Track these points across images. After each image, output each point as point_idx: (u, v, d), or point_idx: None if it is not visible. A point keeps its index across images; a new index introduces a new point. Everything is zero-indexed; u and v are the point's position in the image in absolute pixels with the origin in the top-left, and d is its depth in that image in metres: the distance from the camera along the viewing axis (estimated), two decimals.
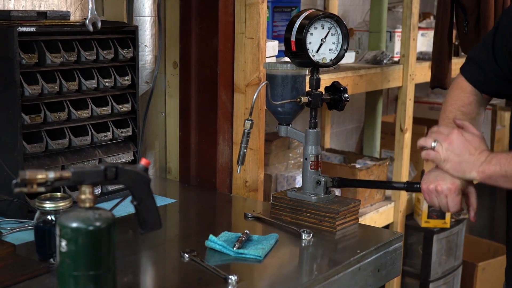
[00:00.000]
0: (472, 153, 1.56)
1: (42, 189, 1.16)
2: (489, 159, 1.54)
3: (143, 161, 1.26)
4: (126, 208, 1.86)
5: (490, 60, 1.72)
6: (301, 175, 2.07)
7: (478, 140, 1.58)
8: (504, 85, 1.73)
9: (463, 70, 1.80)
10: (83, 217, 1.17)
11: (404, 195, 3.02)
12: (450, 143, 1.57)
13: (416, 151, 2.90)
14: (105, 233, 1.18)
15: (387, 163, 3.00)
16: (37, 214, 1.46)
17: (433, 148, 1.59)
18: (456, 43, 3.28)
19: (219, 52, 2.13)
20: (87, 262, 1.17)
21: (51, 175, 1.16)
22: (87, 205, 1.20)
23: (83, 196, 1.20)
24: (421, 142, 1.63)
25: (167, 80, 2.33)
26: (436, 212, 3.10)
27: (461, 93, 1.77)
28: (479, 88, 1.76)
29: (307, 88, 1.83)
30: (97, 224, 1.17)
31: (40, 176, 1.15)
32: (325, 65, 1.79)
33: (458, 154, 1.56)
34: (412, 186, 1.74)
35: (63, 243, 1.16)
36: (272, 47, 2.25)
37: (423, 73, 3.06)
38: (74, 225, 1.16)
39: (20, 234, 1.65)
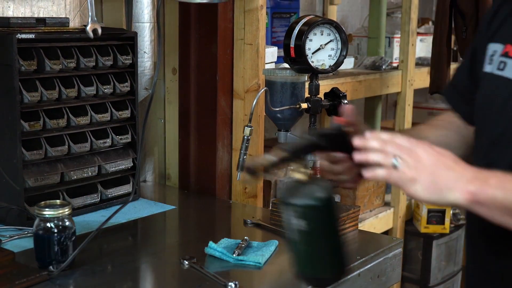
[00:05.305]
0: (450, 168, 1.14)
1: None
2: (484, 178, 1.13)
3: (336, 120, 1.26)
4: (125, 215, 1.86)
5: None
6: None
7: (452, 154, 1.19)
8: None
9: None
10: (311, 192, 1.17)
11: (403, 201, 3.02)
12: (417, 158, 1.13)
13: None
14: (334, 202, 1.21)
15: None
16: (36, 222, 1.45)
17: (395, 167, 1.13)
18: (455, 48, 3.28)
19: (218, 58, 2.13)
20: (329, 232, 1.20)
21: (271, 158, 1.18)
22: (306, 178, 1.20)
23: (302, 170, 1.20)
24: (360, 155, 1.17)
25: (166, 86, 2.33)
26: (436, 218, 3.10)
27: (442, 113, 1.61)
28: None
29: (307, 94, 1.83)
30: (325, 195, 1.17)
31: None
32: (324, 71, 1.80)
33: (430, 172, 1.13)
34: None
35: (302, 222, 1.16)
36: (271, 53, 2.25)
37: (422, 78, 3.06)
38: (310, 202, 1.16)
39: (20, 242, 1.64)
